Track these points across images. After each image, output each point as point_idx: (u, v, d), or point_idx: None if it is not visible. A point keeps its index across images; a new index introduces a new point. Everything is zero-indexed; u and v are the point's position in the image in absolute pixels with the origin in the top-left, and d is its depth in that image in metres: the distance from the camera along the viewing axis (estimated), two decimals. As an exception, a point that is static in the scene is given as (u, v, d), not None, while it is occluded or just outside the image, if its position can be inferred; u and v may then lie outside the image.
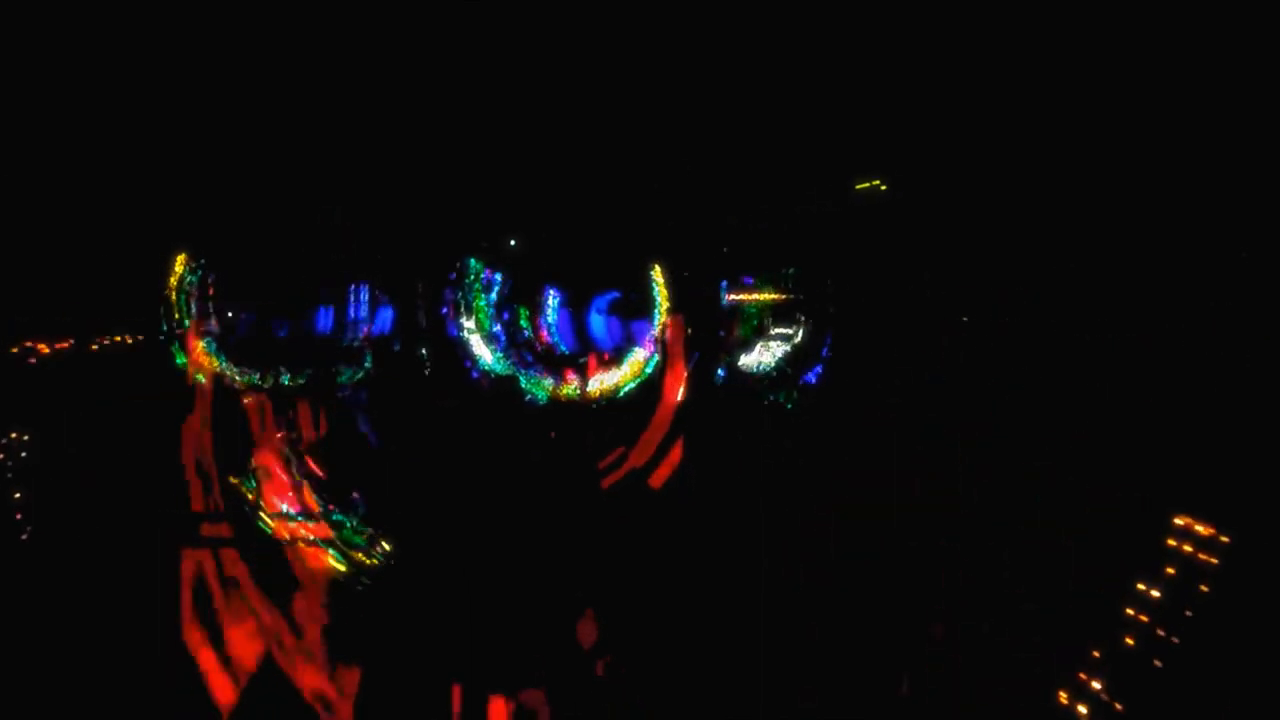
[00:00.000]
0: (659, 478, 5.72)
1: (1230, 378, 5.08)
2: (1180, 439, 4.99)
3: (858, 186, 5.99)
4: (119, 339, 6.94)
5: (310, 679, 4.84)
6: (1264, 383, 5.01)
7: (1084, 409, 5.17)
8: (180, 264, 7.19)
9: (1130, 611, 4.61)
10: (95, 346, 6.78)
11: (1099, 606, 4.69)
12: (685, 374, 6.45)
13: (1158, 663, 4.42)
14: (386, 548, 5.80)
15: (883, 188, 5.90)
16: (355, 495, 6.23)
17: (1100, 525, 4.86)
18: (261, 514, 5.97)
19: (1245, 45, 4.88)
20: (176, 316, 7.23)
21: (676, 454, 5.86)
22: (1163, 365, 5.14)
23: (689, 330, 6.61)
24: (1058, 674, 4.59)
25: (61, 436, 5.92)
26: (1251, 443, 4.87)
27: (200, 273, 7.35)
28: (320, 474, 6.38)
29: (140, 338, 7.09)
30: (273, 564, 5.68)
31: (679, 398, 6.37)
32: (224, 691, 4.72)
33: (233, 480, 6.10)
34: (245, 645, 5.06)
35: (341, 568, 5.70)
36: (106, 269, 6.75)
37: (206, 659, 4.85)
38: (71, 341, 6.59)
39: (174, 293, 7.27)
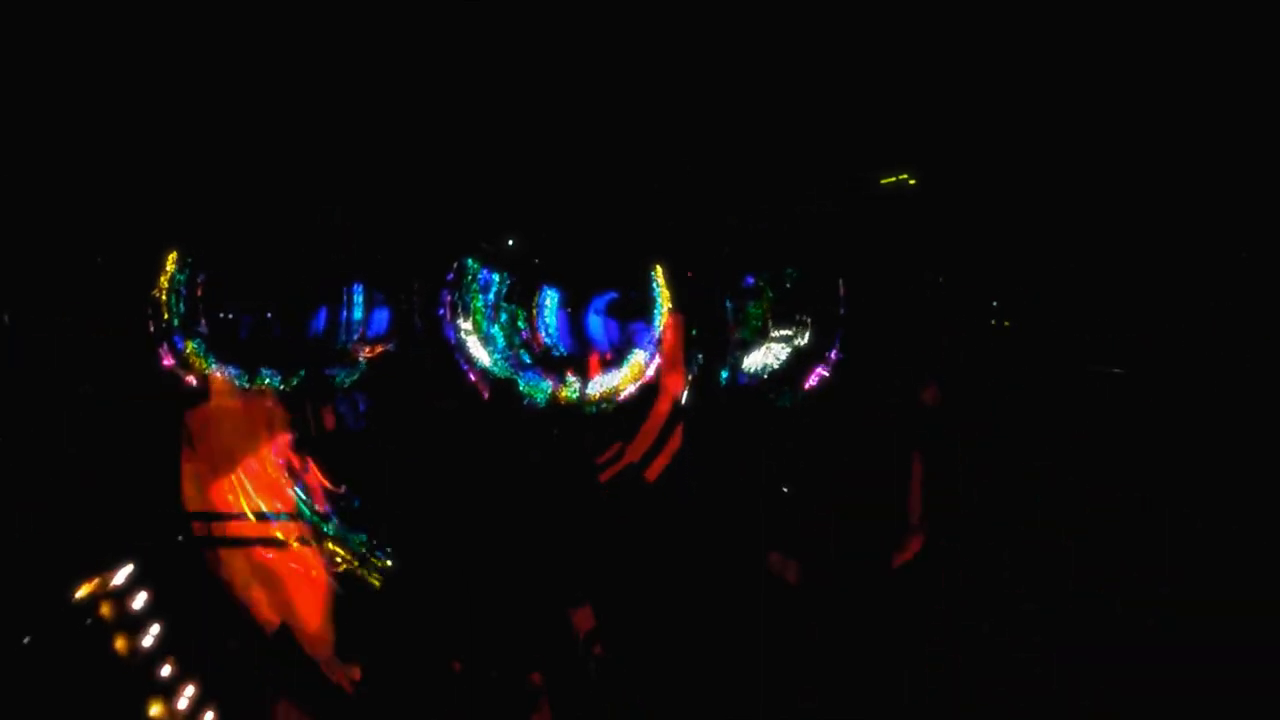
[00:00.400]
0: (655, 472, 5.85)
1: (1231, 377, 5.26)
2: (1180, 439, 5.17)
3: (883, 181, 6.09)
4: (109, 338, 7.01)
5: (308, 678, 4.97)
6: (1265, 382, 5.19)
7: (1084, 409, 5.35)
8: (171, 262, 7.29)
9: (1129, 612, 4.77)
10: (85, 345, 6.85)
11: (1099, 606, 4.85)
12: (686, 374, 6.58)
13: (1156, 661, 4.55)
14: (383, 551, 5.90)
15: (911, 182, 6.00)
16: (351, 497, 6.33)
17: (1100, 525, 5.04)
18: (254, 518, 6.05)
19: (1247, 48, 5.04)
20: (166, 316, 7.32)
21: (674, 450, 5.99)
22: (1163, 365, 5.32)
23: (691, 331, 6.72)
24: (1058, 674, 4.71)
25: (54, 437, 5.98)
26: (1252, 442, 5.04)
27: (190, 271, 7.44)
28: (315, 477, 6.46)
29: (131, 338, 7.16)
30: (267, 567, 5.77)
31: (679, 397, 6.50)
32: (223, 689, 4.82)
33: (226, 484, 6.16)
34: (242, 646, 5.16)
35: (339, 570, 5.82)
36: (96, 267, 6.83)
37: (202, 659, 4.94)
38: (62, 339, 6.67)
39: (164, 292, 7.36)
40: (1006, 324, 5.82)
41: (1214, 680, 4.37)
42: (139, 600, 4.57)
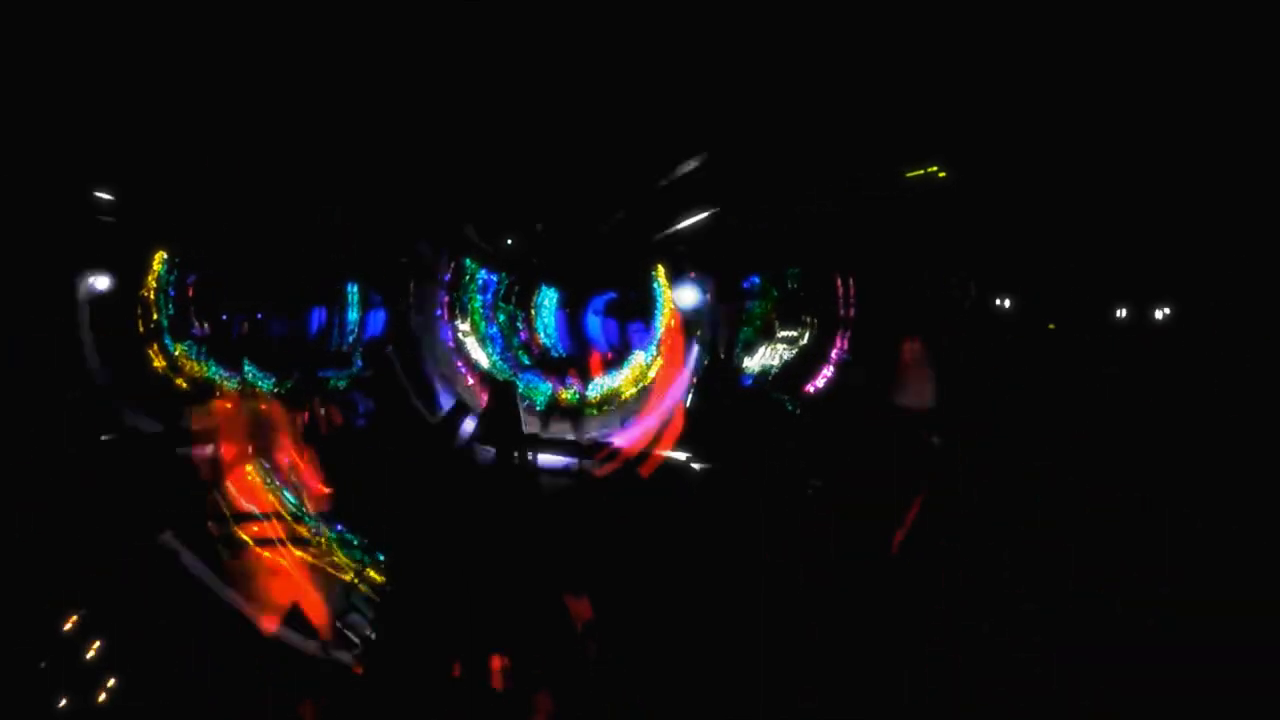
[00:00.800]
0: (655, 471, 5.96)
1: (1231, 378, 5.41)
2: (1181, 439, 5.32)
3: (908, 174, 6.17)
4: (100, 340, 7.10)
5: (306, 679, 5.09)
6: (1265, 383, 5.34)
7: (1084, 409, 5.50)
8: (159, 262, 7.40)
9: (1129, 612, 4.90)
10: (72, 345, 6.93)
11: (1099, 606, 4.98)
12: (685, 372, 6.69)
13: (1156, 661, 4.68)
14: (381, 552, 6.01)
15: (940, 175, 6.08)
16: (348, 498, 6.43)
17: (1100, 525, 5.19)
18: (251, 521, 6.12)
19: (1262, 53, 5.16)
20: (155, 317, 7.42)
21: (675, 450, 6.10)
22: (1163, 366, 5.46)
23: (695, 332, 6.82)
24: (1058, 674, 4.82)
25: (48, 437, 6.05)
26: (1252, 442, 5.19)
27: (179, 272, 7.56)
28: (312, 479, 6.53)
29: (121, 338, 7.26)
30: (264, 570, 5.87)
31: (678, 394, 6.61)
32: (219, 684, 4.92)
33: (222, 487, 6.23)
34: (235, 645, 5.26)
35: (337, 571, 5.93)
36: (89, 266, 6.93)
37: (199, 655, 5.03)
38: (53, 339, 6.77)
39: (152, 292, 7.47)
40: (1008, 323, 5.96)
41: (1214, 680, 4.42)
42: (90, 652, 4.22)
